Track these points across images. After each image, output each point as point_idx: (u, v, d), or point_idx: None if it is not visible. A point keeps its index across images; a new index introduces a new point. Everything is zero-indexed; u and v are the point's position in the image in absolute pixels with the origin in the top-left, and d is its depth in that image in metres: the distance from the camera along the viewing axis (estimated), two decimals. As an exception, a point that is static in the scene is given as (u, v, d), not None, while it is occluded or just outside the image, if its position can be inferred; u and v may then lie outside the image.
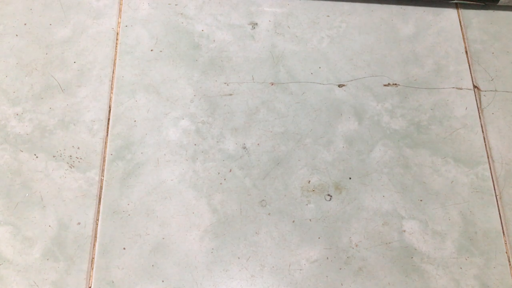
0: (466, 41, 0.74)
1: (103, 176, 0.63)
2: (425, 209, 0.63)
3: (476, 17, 0.75)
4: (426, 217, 0.62)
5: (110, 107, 0.67)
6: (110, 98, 0.68)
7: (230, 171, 0.64)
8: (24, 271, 0.58)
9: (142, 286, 0.58)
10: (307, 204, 0.63)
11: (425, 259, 0.60)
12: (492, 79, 0.71)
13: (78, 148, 0.64)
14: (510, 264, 0.61)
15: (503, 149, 0.67)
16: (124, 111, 0.67)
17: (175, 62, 0.70)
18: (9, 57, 0.70)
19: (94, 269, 0.59)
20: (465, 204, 0.63)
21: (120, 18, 0.73)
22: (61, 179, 0.63)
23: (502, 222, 0.63)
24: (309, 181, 0.64)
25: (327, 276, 0.59)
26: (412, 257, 0.60)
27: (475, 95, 0.70)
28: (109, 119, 0.66)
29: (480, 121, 0.68)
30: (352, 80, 0.70)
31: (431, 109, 0.69)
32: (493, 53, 0.73)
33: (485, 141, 0.67)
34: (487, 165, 0.66)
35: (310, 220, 0.62)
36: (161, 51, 0.71)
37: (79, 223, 0.61)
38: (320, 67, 0.71)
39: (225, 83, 0.69)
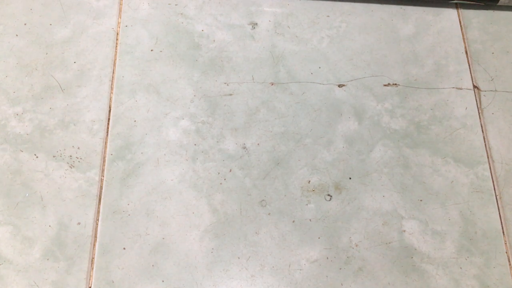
0: (466, 41, 0.74)
1: (103, 176, 0.63)
2: (425, 209, 0.63)
3: (476, 17, 0.75)
4: (426, 217, 0.62)
5: (110, 107, 0.67)
6: (110, 98, 0.68)
7: (230, 171, 0.64)
8: (24, 271, 0.58)
9: (142, 286, 0.58)
10: (307, 204, 0.63)
11: (425, 259, 0.60)
12: (492, 79, 0.71)
13: (78, 148, 0.64)
14: (510, 264, 0.61)
15: (503, 149, 0.67)
16: (124, 111, 0.67)
17: (175, 62, 0.70)
18: (9, 57, 0.70)
19: (94, 269, 0.59)
20: (465, 204, 0.63)
21: (120, 18, 0.73)
22: (61, 179, 0.63)
23: (502, 222, 0.63)
24: (309, 181, 0.64)
25: (327, 276, 0.59)
26: (412, 257, 0.60)
27: (475, 95, 0.70)
28: (109, 119, 0.66)
29: (480, 121, 0.68)
30: (352, 80, 0.70)
31: (431, 109, 0.69)
32: (493, 53, 0.73)
33: (485, 141, 0.67)
34: (487, 165, 0.66)
35: (310, 220, 0.62)
36: (161, 51, 0.71)
37: (79, 223, 0.61)
38: (320, 67, 0.71)
39: (225, 83, 0.69)
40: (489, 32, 0.74)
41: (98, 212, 0.61)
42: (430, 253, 0.61)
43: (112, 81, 0.69)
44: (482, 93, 0.70)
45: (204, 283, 0.58)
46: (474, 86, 0.71)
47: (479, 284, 0.59)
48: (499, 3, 0.74)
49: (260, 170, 0.64)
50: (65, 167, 0.63)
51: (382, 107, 0.69)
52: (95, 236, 0.60)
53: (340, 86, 0.70)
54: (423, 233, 0.62)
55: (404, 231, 0.62)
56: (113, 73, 0.69)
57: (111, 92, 0.68)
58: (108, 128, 0.66)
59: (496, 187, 0.64)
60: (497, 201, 0.64)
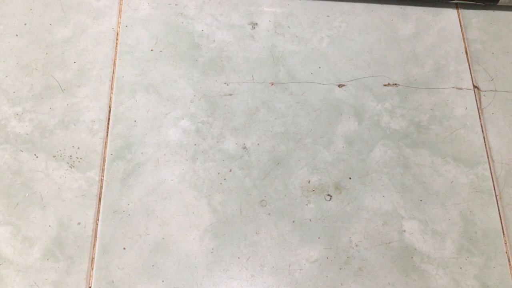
0: (466, 41, 0.74)
1: (103, 176, 0.63)
2: (425, 209, 0.63)
3: (476, 17, 0.75)
4: (426, 217, 0.62)
5: (110, 107, 0.67)
6: (110, 98, 0.68)
7: (230, 171, 0.64)
8: (24, 271, 0.58)
9: (142, 286, 0.58)
10: (307, 204, 0.63)
11: (425, 259, 0.60)
12: (492, 79, 0.71)
13: (78, 148, 0.64)
14: (510, 264, 0.61)
15: (503, 149, 0.67)
16: (124, 111, 0.67)
17: (175, 62, 0.70)
18: (9, 57, 0.70)
19: (94, 269, 0.59)
20: (465, 204, 0.63)
21: (120, 18, 0.73)
22: (61, 179, 0.63)
23: (502, 222, 0.63)
24: (309, 181, 0.64)
25: (327, 276, 0.59)
26: (412, 257, 0.60)
27: (475, 95, 0.70)
28: (109, 119, 0.66)
29: (480, 121, 0.68)
30: (352, 80, 0.70)
31: (431, 109, 0.69)
32: (493, 53, 0.73)
33: (485, 141, 0.67)
34: (487, 165, 0.66)
35: (310, 220, 0.62)
36: (161, 51, 0.71)
37: (79, 223, 0.61)
38: (320, 67, 0.71)
39: (225, 83, 0.69)
40: (489, 32, 0.74)
41: (98, 212, 0.61)
42: (430, 253, 0.61)
43: (112, 81, 0.69)
44: (482, 93, 0.70)
45: (204, 283, 0.58)
46: (474, 86, 0.71)
47: (479, 284, 0.59)
48: (499, 3, 0.74)
49: (260, 170, 0.64)
50: (65, 167, 0.63)
51: (382, 107, 0.69)
52: (95, 236, 0.60)
53: (340, 86, 0.70)
54: (423, 233, 0.62)
55: (404, 231, 0.62)
56: (113, 73, 0.69)
57: (111, 92, 0.68)
58: (108, 128, 0.66)
59: (496, 187, 0.64)
60: (497, 201, 0.64)
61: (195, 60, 0.71)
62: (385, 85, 0.70)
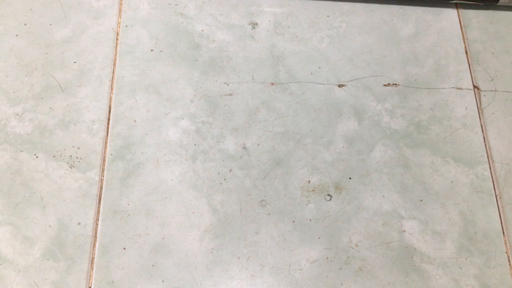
0: (466, 41, 0.74)
1: (103, 176, 0.63)
2: (425, 209, 0.63)
3: (476, 17, 0.75)
4: (426, 217, 0.62)
5: (110, 107, 0.67)
6: (110, 98, 0.68)
7: (230, 171, 0.64)
8: (24, 271, 0.58)
9: (142, 286, 0.58)
10: (307, 204, 0.63)
11: (425, 259, 0.60)
12: (492, 79, 0.71)
13: (78, 148, 0.64)
14: (510, 264, 0.61)
15: (503, 149, 0.67)
16: (124, 111, 0.67)
17: (175, 62, 0.70)
18: (9, 57, 0.70)
19: (94, 269, 0.59)
20: (465, 204, 0.63)
21: (120, 18, 0.73)
22: (61, 179, 0.63)
23: (502, 222, 0.63)
24: (309, 181, 0.64)
25: (327, 276, 0.59)
26: (412, 257, 0.60)
27: (475, 95, 0.70)
28: (109, 119, 0.66)
29: (480, 121, 0.68)
30: (352, 80, 0.70)
31: (431, 109, 0.69)
32: (493, 53, 0.73)
33: (485, 141, 0.67)
34: (487, 165, 0.66)
35: (310, 220, 0.62)
36: (161, 51, 0.71)
37: (79, 223, 0.61)
38: (320, 67, 0.71)
39: (225, 83, 0.69)
40: (489, 32, 0.74)
41: (98, 212, 0.61)
42: (430, 253, 0.61)
43: (112, 81, 0.69)
44: (482, 93, 0.70)
45: (204, 283, 0.58)
46: (474, 86, 0.71)
47: (479, 284, 0.59)
48: (499, 3, 0.74)
49: (260, 170, 0.64)
50: (65, 167, 0.63)
51: (382, 107, 0.69)
52: (95, 236, 0.60)
53: (340, 86, 0.70)
54: (423, 233, 0.62)
55: (404, 231, 0.62)
56: (113, 73, 0.69)
57: (111, 92, 0.68)
58: (108, 128, 0.66)
59: (496, 187, 0.64)
60: (497, 201, 0.64)
61: (195, 60, 0.71)
62: (385, 85, 0.70)
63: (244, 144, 0.66)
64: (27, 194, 0.62)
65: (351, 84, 0.70)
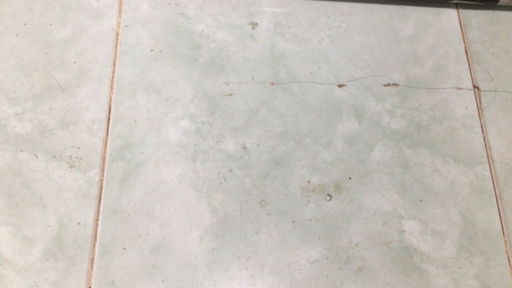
0: (466, 41, 0.74)
1: (103, 176, 0.63)
2: (425, 209, 0.63)
3: (476, 17, 0.75)
4: (426, 217, 0.62)
5: (110, 107, 0.67)
6: (110, 98, 0.68)
7: (230, 171, 0.64)
8: (24, 271, 0.58)
9: (142, 286, 0.58)
10: (307, 204, 0.63)
11: (425, 259, 0.60)
12: (492, 79, 0.71)
13: (78, 148, 0.64)
14: (510, 264, 0.61)
15: (503, 149, 0.67)
16: (124, 111, 0.67)
17: (175, 62, 0.70)
18: (9, 57, 0.70)
19: (94, 269, 0.59)
20: (465, 204, 0.63)
21: (120, 18, 0.73)
22: (61, 179, 0.63)
23: (502, 222, 0.63)
24: (309, 181, 0.64)
25: (327, 276, 0.59)
26: (412, 257, 0.60)
27: (475, 95, 0.70)
28: (109, 119, 0.66)
29: (480, 121, 0.68)
30: (352, 80, 0.70)
31: (431, 109, 0.69)
32: (493, 53, 0.73)
33: (485, 141, 0.67)
34: (487, 165, 0.66)
35: (310, 220, 0.62)
36: (161, 51, 0.71)
37: (79, 223, 0.61)
38: (320, 67, 0.71)
39: (225, 83, 0.69)
40: (489, 32, 0.74)
41: (98, 212, 0.61)
42: (430, 253, 0.61)
43: (112, 81, 0.69)
44: (482, 93, 0.70)
45: (204, 283, 0.58)
46: (474, 86, 0.71)
47: (479, 284, 0.59)
48: (499, 3, 0.74)
49: (260, 170, 0.64)
50: (65, 167, 0.63)
51: (382, 107, 0.69)
52: (95, 236, 0.60)
53: (340, 86, 0.70)
54: (423, 233, 0.62)
55: (404, 231, 0.62)
56: (113, 73, 0.69)
57: (111, 92, 0.68)
58: (108, 128, 0.66)
59: (496, 187, 0.64)
60: (497, 201, 0.64)
61: (195, 60, 0.71)
62: (385, 85, 0.70)
63: (244, 144, 0.66)
64: (27, 194, 0.62)
65: (351, 84, 0.70)
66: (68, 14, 0.73)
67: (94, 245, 0.60)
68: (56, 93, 0.68)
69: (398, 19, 0.75)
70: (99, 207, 0.62)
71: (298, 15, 0.74)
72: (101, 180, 0.63)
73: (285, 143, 0.66)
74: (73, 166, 0.63)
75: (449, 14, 0.75)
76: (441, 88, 0.70)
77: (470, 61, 0.72)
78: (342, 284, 0.59)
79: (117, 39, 0.71)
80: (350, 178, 0.64)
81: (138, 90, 0.68)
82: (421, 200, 0.63)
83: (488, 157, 0.66)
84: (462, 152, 0.66)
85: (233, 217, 0.62)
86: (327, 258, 0.60)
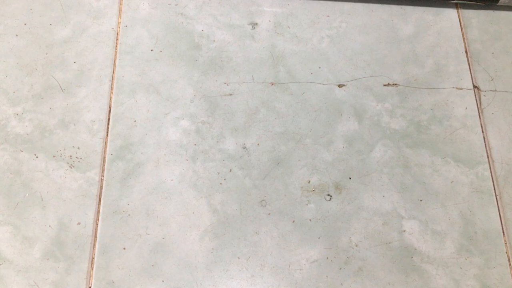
0: (466, 41, 0.74)
1: (103, 176, 0.63)
2: (425, 209, 0.63)
3: (476, 17, 0.75)
4: (426, 217, 0.62)
5: (110, 107, 0.67)
6: (110, 98, 0.68)
7: (230, 171, 0.64)
8: (24, 271, 0.58)
9: (142, 286, 0.58)
10: (307, 204, 0.63)
11: (425, 259, 0.60)
12: (492, 79, 0.71)
13: (78, 148, 0.64)
14: (510, 264, 0.61)
15: (503, 149, 0.67)
16: (124, 111, 0.67)
17: (175, 62, 0.70)
18: (9, 57, 0.70)
19: (94, 269, 0.59)
20: (465, 204, 0.63)
21: (120, 18, 0.73)
22: (61, 179, 0.63)
23: (502, 222, 0.63)
24: (309, 181, 0.64)
25: (327, 276, 0.59)
26: (412, 257, 0.60)
27: (475, 95, 0.70)
28: (109, 119, 0.66)
29: (480, 121, 0.68)
30: (352, 80, 0.70)
31: (431, 109, 0.69)
32: (493, 53, 0.73)
33: (485, 141, 0.67)
34: (487, 165, 0.66)
35: (310, 220, 0.62)
36: (161, 51, 0.71)
37: (79, 223, 0.61)
38: (320, 67, 0.71)
39: (225, 83, 0.69)
40: (489, 32, 0.74)
41: (98, 212, 0.61)
42: (430, 253, 0.61)
43: (112, 81, 0.69)
44: (482, 93, 0.70)
45: (204, 283, 0.58)
46: (474, 86, 0.71)
47: (479, 284, 0.59)
48: (499, 3, 0.74)
49: (260, 170, 0.64)
50: (65, 167, 0.63)
51: (382, 107, 0.69)
52: (95, 236, 0.60)
53: (340, 86, 0.70)
54: (423, 233, 0.62)
55: (404, 231, 0.62)
56: (113, 73, 0.69)
57: (111, 92, 0.68)
58: (108, 128, 0.66)
59: (496, 187, 0.64)
60: (497, 201, 0.64)
61: (195, 60, 0.71)
62: (385, 85, 0.70)
63: (244, 144, 0.66)
64: (27, 194, 0.62)
65: (351, 84, 0.70)
66: (68, 14, 0.73)
67: (94, 245, 0.60)
68: (56, 93, 0.68)
69: (398, 19, 0.75)
70: (99, 207, 0.62)
71: (298, 15, 0.74)
72: (101, 180, 0.63)
73: (285, 143, 0.66)
74: (73, 166, 0.63)
75: (449, 14, 0.75)
76: (441, 88, 0.70)
77: (470, 61, 0.72)
78: (342, 284, 0.59)
79: (117, 39, 0.71)
80: (350, 178, 0.64)
81: (138, 90, 0.68)
82: (421, 200, 0.63)
83: (488, 157, 0.66)
84: (462, 152, 0.66)
85: (233, 217, 0.62)
86: (327, 258, 0.60)
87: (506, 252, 0.61)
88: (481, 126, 0.68)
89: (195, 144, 0.65)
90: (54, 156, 0.64)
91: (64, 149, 0.64)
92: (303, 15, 0.74)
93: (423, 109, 0.69)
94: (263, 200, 0.63)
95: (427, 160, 0.66)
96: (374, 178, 0.64)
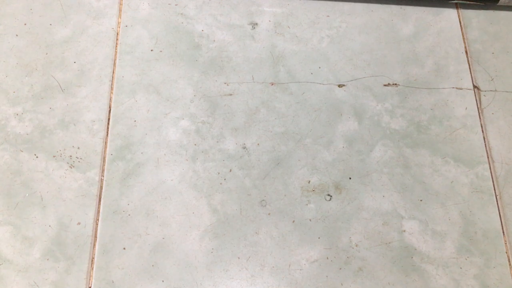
0: (466, 41, 0.74)
1: (103, 176, 0.63)
2: (425, 209, 0.63)
3: (476, 17, 0.75)
4: (426, 217, 0.62)
5: (110, 107, 0.67)
6: (110, 98, 0.68)
7: (230, 171, 0.64)
8: (24, 271, 0.58)
9: (142, 286, 0.58)
10: (307, 204, 0.63)
11: (425, 259, 0.60)
12: (492, 79, 0.71)
13: (78, 148, 0.64)
14: (510, 264, 0.61)
15: (503, 149, 0.67)
16: (124, 111, 0.67)
17: (175, 62, 0.70)
18: (9, 57, 0.70)
19: (94, 269, 0.59)
20: (465, 204, 0.63)
21: (120, 18, 0.73)
22: (61, 179, 0.63)
23: (502, 222, 0.63)
24: (309, 181, 0.64)
25: (327, 276, 0.59)
26: (412, 257, 0.60)
27: (475, 95, 0.70)
28: (109, 119, 0.66)
29: (480, 121, 0.68)
30: (352, 80, 0.70)
31: (431, 109, 0.69)
32: (493, 53, 0.73)
33: (485, 141, 0.67)
34: (487, 165, 0.66)
35: (310, 220, 0.62)
36: (161, 51, 0.71)
37: (79, 223, 0.61)
38: (320, 67, 0.71)
39: (225, 83, 0.69)
40: (489, 32, 0.74)
41: (98, 212, 0.61)
42: (430, 253, 0.61)
43: (112, 81, 0.69)
44: (482, 93, 0.70)
45: (204, 283, 0.58)
46: (474, 86, 0.71)
47: (479, 284, 0.59)
48: (499, 3, 0.74)
49: (260, 170, 0.64)
50: (65, 167, 0.63)
51: (382, 107, 0.69)
52: (95, 236, 0.60)
53: (340, 86, 0.70)
54: (423, 233, 0.62)
55: (404, 231, 0.62)
56: (113, 73, 0.69)
57: (111, 92, 0.68)
58: (108, 128, 0.66)
59: (496, 187, 0.64)
60: (497, 201, 0.64)
61: (195, 60, 0.71)
62: (385, 85, 0.70)
63: (244, 144, 0.66)
64: (27, 194, 0.62)
65: (351, 84, 0.70)
66: (68, 14, 0.73)
67: (94, 245, 0.60)
68: (56, 93, 0.68)
69: (398, 19, 0.75)
70: (99, 207, 0.62)
71: (298, 15, 0.74)
72: (101, 180, 0.63)
73: (285, 143, 0.66)
74: (73, 166, 0.63)
75: (449, 14, 0.75)
76: (441, 88, 0.70)
77: (470, 61, 0.72)
78: (342, 284, 0.59)
79: (117, 39, 0.71)
80: (350, 178, 0.64)
81: (138, 90, 0.68)
82: (421, 200, 0.63)
83: (488, 157, 0.66)
84: (462, 152, 0.66)
85: (233, 217, 0.62)
86: (327, 258, 0.60)
87: (506, 252, 0.61)
88: (481, 126, 0.68)
89: (195, 144, 0.65)
90: (54, 156, 0.64)
91: (64, 149, 0.64)
92: (303, 15, 0.74)
93: (423, 109, 0.69)
94: (263, 200, 0.63)
95: (427, 160, 0.66)
96: (374, 178, 0.64)
